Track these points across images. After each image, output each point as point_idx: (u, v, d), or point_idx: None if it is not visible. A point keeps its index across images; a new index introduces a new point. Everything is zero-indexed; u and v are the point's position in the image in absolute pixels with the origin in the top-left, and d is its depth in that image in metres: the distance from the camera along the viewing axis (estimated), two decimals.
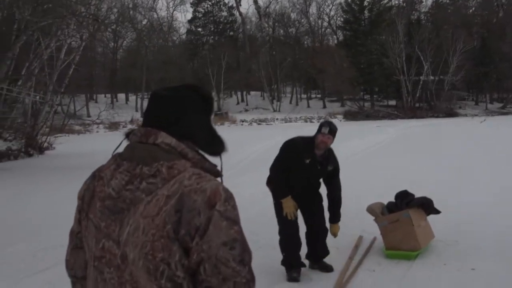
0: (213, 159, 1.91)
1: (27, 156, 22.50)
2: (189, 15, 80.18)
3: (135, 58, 68.11)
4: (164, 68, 63.57)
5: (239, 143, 23.22)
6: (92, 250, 1.82)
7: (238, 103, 74.37)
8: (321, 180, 6.19)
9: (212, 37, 77.19)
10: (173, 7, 77.01)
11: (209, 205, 1.66)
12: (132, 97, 70.95)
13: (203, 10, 77.45)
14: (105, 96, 69.53)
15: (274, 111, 66.73)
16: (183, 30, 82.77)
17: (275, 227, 6.10)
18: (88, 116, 51.90)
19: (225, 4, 78.11)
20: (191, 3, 77.41)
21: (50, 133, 25.90)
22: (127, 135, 1.89)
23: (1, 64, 17.49)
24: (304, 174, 5.88)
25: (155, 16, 73.63)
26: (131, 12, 65.43)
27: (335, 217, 6.13)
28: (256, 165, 16.12)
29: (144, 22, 70.77)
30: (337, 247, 6.83)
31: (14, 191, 12.70)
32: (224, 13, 78.27)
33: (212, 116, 1.99)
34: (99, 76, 71.51)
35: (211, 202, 1.67)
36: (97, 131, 45.95)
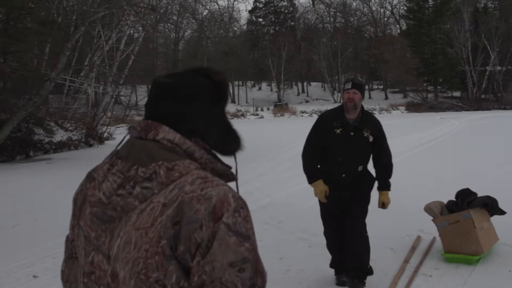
0: (228, 160, 1.66)
1: (87, 146, 22.87)
2: (250, 6, 79.54)
3: (196, 49, 68.79)
4: (224, 59, 63.81)
5: (297, 134, 22.92)
6: (81, 263, 1.57)
7: (298, 94, 73.94)
8: (368, 161, 5.35)
9: (272, 27, 76.84)
10: None
11: (214, 217, 1.39)
12: None
13: (263, 0, 77.13)
14: None
15: (335, 102, 65.89)
16: (243, 21, 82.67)
17: None
18: None
19: None
20: None
21: (110, 123, 26.28)
22: (130, 129, 1.63)
23: (61, 55, 17.69)
24: (338, 148, 5.12)
25: (216, 6, 73.88)
26: (192, 3, 65.71)
27: (384, 184, 5.37)
28: None
29: (205, 13, 71.11)
30: (392, 247, 6.48)
31: (68, 180, 12.79)
32: (285, 3, 77.73)
33: (227, 106, 1.70)
34: (161, 67, 72.40)
35: (217, 212, 1.39)
36: None
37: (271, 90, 70.94)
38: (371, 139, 5.16)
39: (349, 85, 5.11)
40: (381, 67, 61.95)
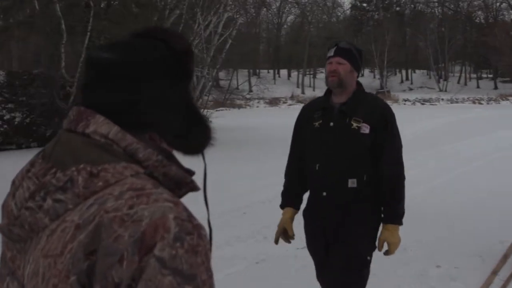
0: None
1: None
2: None
3: (298, 34, 68.44)
4: (327, 44, 62.90)
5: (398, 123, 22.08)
6: None
7: (402, 81, 71.87)
8: (368, 169, 3.34)
9: (377, 12, 74.91)
10: None
11: (142, 247, 0.97)
12: (294, 73, 71.17)
13: None
14: (268, 72, 70.61)
15: (440, 90, 63.44)
16: (347, 6, 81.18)
17: (422, 225, 5.14)
18: (250, 91, 52.97)
19: None
20: None
21: (207, 106, 26.45)
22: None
23: None
24: (314, 150, 3.38)
25: None
26: None
27: (388, 211, 3.32)
28: (409, 149, 15.12)
29: None
30: (481, 255, 5.78)
31: None
32: None
33: (193, 83, 1.21)
34: (263, 52, 72.84)
35: (147, 241, 0.98)
36: (257, 106, 46.41)
37: (374, 77, 69.29)
38: (366, 130, 3.25)
39: (331, 52, 3.37)
40: (491, 55, 58.82)
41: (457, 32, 67.23)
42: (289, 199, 3.59)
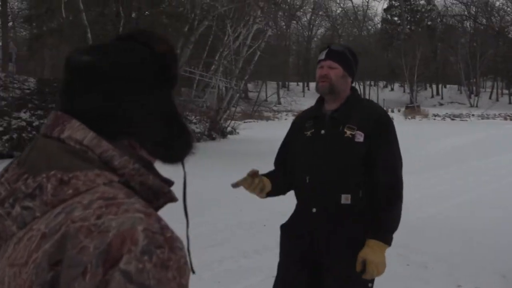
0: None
1: (210, 139, 23.11)
2: (385, 4, 77.74)
3: None
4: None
5: (419, 139, 21.91)
6: None
7: (432, 96, 71.34)
8: (363, 183, 2.91)
9: (408, 26, 74.50)
10: None
11: (107, 260, 0.92)
12: None
13: None
14: (297, 84, 70.65)
15: (471, 106, 62.74)
16: (378, 19, 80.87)
17: (443, 241, 5.01)
18: (278, 103, 53.02)
19: None
20: None
21: (234, 118, 26.50)
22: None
23: (184, 48, 17.98)
24: (304, 161, 3.01)
25: (350, 4, 72.85)
26: (325, 1, 65.38)
27: (375, 226, 2.81)
28: (436, 164, 14.98)
29: (338, 11, 70.42)
30: (505, 275, 5.64)
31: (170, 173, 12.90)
32: (422, 2, 75.02)
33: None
34: (293, 64, 72.96)
35: (113, 253, 0.92)
36: (286, 119, 46.38)
37: (404, 91, 68.81)
38: (360, 138, 2.88)
39: (322, 55, 3.01)
40: None
41: (488, 47, 66.47)
42: (271, 172, 3.18)
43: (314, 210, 2.90)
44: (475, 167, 14.57)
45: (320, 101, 3.11)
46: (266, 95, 54.39)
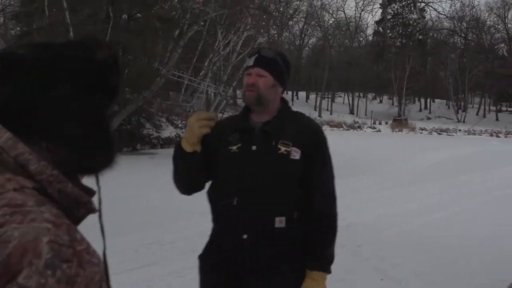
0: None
1: None
2: (378, 16, 78.12)
3: (319, 57, 68.55)
4: (347, 68, 63.09)
5: (406, 152, 21.98)
6: None
7: (420, 110, 71.71)
8: (299, 204, 2.67)
9: (399, 39, 74.93)
10: (362, 7, 75.38)
11: (4, 272, 0.84)
12: (312, 96, 71.24)
13: (392, 12, 75.38)
14: (287, 93, 70.73)
15: (458, 121, 63.13)
16: (369, 31, 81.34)
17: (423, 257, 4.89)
18: None
19: (415, 6, 75.32)
20: (380, 4, 75.67)
21: None
22: None
23: (173, 52, 17.93)
24: (231, 181, 2.66)
25: (343, 15, 73.13)
26: (318, 11, 65.62)
27: (314, 255, 2.66)
28: (422, 178, 15.00)
29: (331, 22, 70.68)
30: None
31: (152, 180, 12.81)
32: (414, 16, 75.51)
33: (114, 101, 1.14)
34: None
35: (12, 266, 0.84)
36: None
37: (392, 104, 69.10)
38: (296, 156, 2.62)
39: (251, 61, 2.68)
40: None
41: (478, 63, 66.99)
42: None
43: (245, 236, 2.58)
44: (461, 181, 14.61)
45: (246, 111, 2.76)
46: None
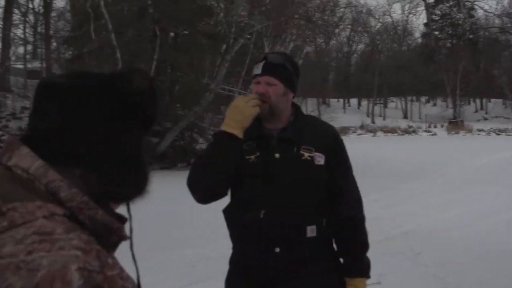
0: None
1: None
2: (425, 18, 76.79)
3: (368, 63, 67.95)
4: (397, 73, 62.28)
5: (465, 155, 21.42)
6: None
7: (476, 111, 69.99)
8: (327, 212, 2.62)
9: (449, 40, 73.47)
10: (408, 10, 74.38)
11: None
12: (364, 102, 70.53)
13: (440, 12, 74.02)
14: (338, 101, 70.34)
15: None
16: (418, 34, 79.99)
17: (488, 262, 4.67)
18: None
19: (460, 6, 73.84)
20: (426, 6, 74.46)
21: None
22: None
23: (220, 66, 18.05)
24: (256, 192, 2.51)
25: (390, 20, 72.29)
26: (364, 17, 65.12)
27: (353, 262, 2.65)
28: (481, 180, 14.53)
29: (377, 27, 69.98)
30: None
31: None
32: (462, 16, 74.03)
33: (149, 129, 1.14)
34: (333, 81, 72.78)
35: None
36: None
37: (447, 106, 67.69)
38: (321, 161, 2.55)
39: (258, 68, 2.55)
40: None
41: None
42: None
43: (277, 250, 2.48)
44: None
45: (257, 119, 2.56)
46: (306, 111, 54.05)
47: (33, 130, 1.07)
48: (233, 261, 2.67)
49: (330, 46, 65.23)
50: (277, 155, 2.51)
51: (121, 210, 1.14)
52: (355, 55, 75.31)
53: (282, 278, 2.48)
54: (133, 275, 1.01)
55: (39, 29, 38.83)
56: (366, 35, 69.18)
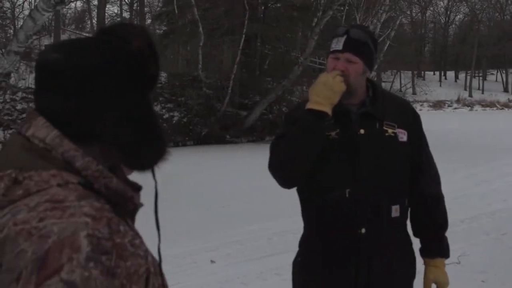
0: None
1: None
2: None
3: (466, 34, 65.31)
4: (498, 44, 59.51)
5: None
6: None
7: None
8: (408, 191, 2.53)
9: None
10: None
11: (43, 268, 0.86)
12: (461, 75, 67.97)
13: None
14: (434, 74, 68.21)
15: None
16: None
17: None
18: (413, 93, 51.68)
19: None
20: None
21: None
22: None
23: (309, 39, 17.93)
24: (339, 170, 2.39)
25: None
26: None
27: (433, 242, 2.59)
28: None
29: None
30: None
31: None
32: None
33: (153, 89, 1.13)
34: (429, 53, 70.61)
35: (50, 262, 0.86)
36: (420, 109, 44.88)
37: None
38: (404, 138, 2.45)
39: (339, 44, 2.37)
40: None
41: None
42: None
43: (363, 230, 2.38)
44: None
45: None
46: (400, 85, 52.84)
47: (43, 110, 1.07)
48: (306, 242, 2.58)
49: (427, 17, 63.06)
50: (361, 131, 2.40)
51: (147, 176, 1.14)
52: (453, 25, 72.46)
53: (365, 262, 2.39)
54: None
55: (134, 6, 39.92)
56: (465, 4, 66.36)
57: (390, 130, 2.41)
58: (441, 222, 2.57)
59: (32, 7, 15.79)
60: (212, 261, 5.91)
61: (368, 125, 2.41)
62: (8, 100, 15.86)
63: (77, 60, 1.05)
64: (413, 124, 2.52)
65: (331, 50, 2.41)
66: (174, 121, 17.36)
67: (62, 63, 1.05)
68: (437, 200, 2.57)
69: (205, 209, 8.42)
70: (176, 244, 6.17)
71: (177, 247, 6.13)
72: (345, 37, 2.36)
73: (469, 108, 46.36)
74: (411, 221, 2.59)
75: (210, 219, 7.77)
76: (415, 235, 2.61)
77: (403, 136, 2.44)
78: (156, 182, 1.14)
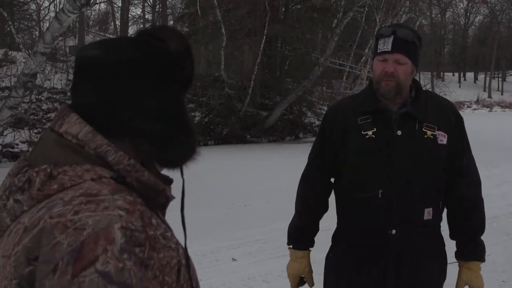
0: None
1: None
2: None
3: (486, 35, 64.82)
4: None
5: None
6: None
7: None
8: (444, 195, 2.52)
9: None
10: None
11: (78, 259, 0.90)
12: (481, 76, 67.52)
13: None
14: (453, 75, 67.80)
15: None
16: None
17: None
18: None
19: None
20: None
21: None
22: None
23: (330, 40, 18.06)
24: (374, 169, 2.40)
25: None
26: None
27: (469, 246, 2.54)
28: None
29: None
30: None
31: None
32: None
33: (187, 90, 1.17)
34: (448, 54, 70.20)
35: (85, 254, 0.90)
36: None
37: None
38: (443, 140, 2.42)
39: (387, 44, 2.33)
40: None
41: None
42: (308, 237, 2.68)
43: (393, 231, 2.37)
44: None
45: (371, 92, 2.47)
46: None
47: (77, 106, 1.09)
48: (338, 238, 2.60)
49: (446, 18, 62.75)
50: (399, 132, 2.37)
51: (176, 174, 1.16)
52: (473, 27, 71.96)
53: (394, 262, 2.39)
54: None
55: (157, 8, 40.23)
56: (484, 5, 65.88)
57: (429, 132, 2.38)
58: (478, 226, 2.52)
59: (57, 10, 16.06)
60: (233, 259, 5.98)
61: (407, 126, 2.38)
62: (33, 100, 16.20)
63: (116, 55, 1.08)
64: (455, 127, 2.47)
65: (378, 51, 2.36)
66: (195, 121, 17.60)
67: (101, 58, 1.08)
68: (476, 204, 2.52)
69: (226, 207, 8.52)
70: (198, 242, 6.21)
71: (199, 245, 6.18)
72: (392, 37, 2.32)
73: (489, 109, 46.07)
74: (448, 224, 2.57)
75: (232, 218, 7.85)
76: (452, 237, 2.58)
77: (442, 138, 2.40)
78: (184, 180, 1.16)
